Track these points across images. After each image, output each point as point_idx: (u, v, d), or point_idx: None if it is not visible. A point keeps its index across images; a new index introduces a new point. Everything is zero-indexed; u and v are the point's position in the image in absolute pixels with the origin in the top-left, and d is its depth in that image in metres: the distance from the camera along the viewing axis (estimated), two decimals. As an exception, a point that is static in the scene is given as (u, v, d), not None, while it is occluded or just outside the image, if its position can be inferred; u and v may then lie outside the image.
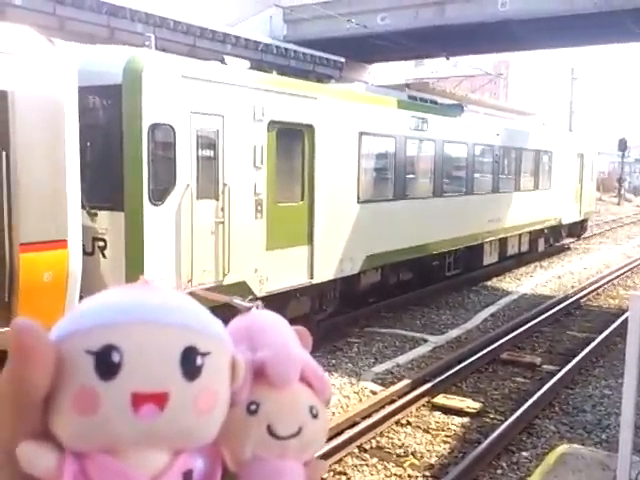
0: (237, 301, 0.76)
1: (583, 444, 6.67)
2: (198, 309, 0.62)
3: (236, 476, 0.69)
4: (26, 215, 5.67)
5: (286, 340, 0.70)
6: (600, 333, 10.98)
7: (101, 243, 7.39)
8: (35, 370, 0.56)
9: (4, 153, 5.53)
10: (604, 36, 21.69)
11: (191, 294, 0.67)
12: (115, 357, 0.56)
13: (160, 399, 0.57)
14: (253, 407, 0.67)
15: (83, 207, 6.55)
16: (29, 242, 5.70)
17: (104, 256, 7.38)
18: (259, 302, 0.76)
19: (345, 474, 6.29)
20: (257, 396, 0.68)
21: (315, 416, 0.69)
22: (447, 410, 7.84)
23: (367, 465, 6.49)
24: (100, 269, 7.32)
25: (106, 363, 0.56)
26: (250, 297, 0.78)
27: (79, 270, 6.12)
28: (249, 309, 0.75)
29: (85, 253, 6.65)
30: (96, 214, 7.36)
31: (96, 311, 0.59)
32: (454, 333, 11.31)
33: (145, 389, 0.57)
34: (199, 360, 0.59)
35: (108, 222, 7.38)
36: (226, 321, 0.70)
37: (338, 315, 11.31)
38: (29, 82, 5.68)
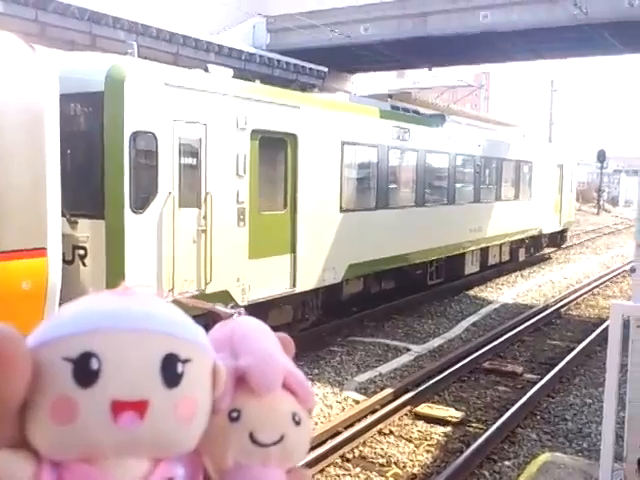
0: (219, 308, 0.75)
1: (565, 452, 6.69)
2: (179, 316, 0.61)
3: None
4: (4, 223, 5.59)
5: (269, 347, 0.69)
6: (581, 342, 11.07)
7: (81, 251, 7.31)
8: (12, 378, 0.55)
9: (-17, 160, 5.45)
10: (584, 49, 21.99)
11: (174, 301, 0.65)
12: (94, 364, 0.55)
13: (140, 407, 0.55)
14: (235, 414, 0.66)
15: (63, 215, 6.48)
16: (7, 250, 5.62)
17: (84, 265, 7.31)
18: (241, 309, 0.75)
19: (327, 484, 6.26)
20: (239, 403, 0.66)
21: (298, 423, 0.68)
22: (429, 419, 7.84)
23: (350, 475, 6.46)
24: (80, 278, 7.24)
25: (84, 371, 0.55)
26: (232, 304, 0.77)
27: (58, 279, 6.05)
28: (231, 316, 0.73)
29: (65, 261, 6.57)
30: (76, 222, 7.28)
31: (74, 318, 0.58)
32: (436, 342, 11.33)
33: (125, 397, 0.55)
34: (180, 367, 0.57)
35: (89, 230, 7.31)
36: (208, 328, 0.68)
37: (321, 324, 11.30)
38: (9, 89, 5.61)
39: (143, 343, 0.57)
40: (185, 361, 0.59)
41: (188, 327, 0.62)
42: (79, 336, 0.57)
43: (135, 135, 7.40)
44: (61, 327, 0.58)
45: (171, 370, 0.57)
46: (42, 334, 0.59)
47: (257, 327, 0.73)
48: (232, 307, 0.76)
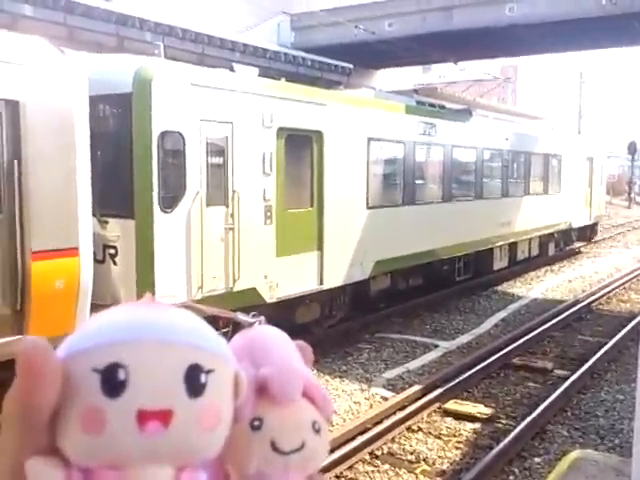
0: (240, 317, 0.77)
1: (596, 449, 6.62)
2: (202, 327, 0.63)
3: None
4: (38, 223, 5.71)
5: (289, 356, 0.71)
6: (612, 337, 10.92)
7: (112, 251, 7.43)
8: (43, 389, 0.57)
9: (16, 162, 5.58)
10: (612, 39, 21.63)
11: (194, 309, 0.67)
12: (121, 375, 0.57)
13: (165, 416, 0.58)
14: (257, 423, 0.68)
15: (94, 215, 6.59)
16: (41, 250, 5.74)
17: (115, 263, 7.42)
18: (262, 317, 0.77)
19: (357, 480, 6.28)
20: (260, 412, 0.68)
21: (317, 431, 0.70)
22: (458, 416, 7.81)
23: (379, 471, 6.47)
24: (111, 276, 7.35)
25: (112, 381, 0.57)
26: (253, 313, 0.79)
27: (90, 278, 6.16)
28: (252, 325, 0.75)
29: (96, 261, 6.68)
30: (107, 222, 7.40)
31: (102, 330, 0.60)
32: (465, 338, 11.27)
33: (150, 406, 0.57)
34: (203, 378, 0.60)
35: (119, 230, 7.43)
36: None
37: (348, 321, 11.31)
38: (40, 92, 5.73)
39: (168, 354, 0.60)
40: (208, 371, 0.61)
41: (211, 338, 0.64)
42: (106, 347, 0.59)
43: (163, 135, 7.49)
44: (89, 338, 0.61)
45: (195, 380, 0.60)
46: (71, 345, 0.61)
47: (277, 336, 0.75)
48: (253, 316, 0.79)
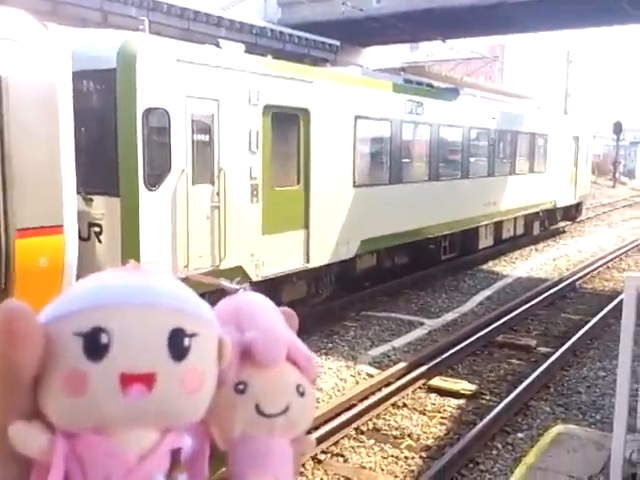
0: (225, 283, 0.77)
1: (578, 425, 6.73)
2: (186, 292, 0.63)
3: (226, 454, 0.71)
4: (21, 201, 5.64)
5: (273, 321, 0.72)
6: (595, 315, 11.05)
7: (97, 228, 7.38)
8: (24, 352, 0.57)
9: (-2, 138, 5.49)
10: (600, 18, 21.56)
11: (181, 278, 0.68)
12: (103, 339, 0.57)
13: (148, 379, 0.58)
14: (241, 387, 0.69)
15: (79, 192, 6.53)
16: (25, 228, 5.68)
17: (100, 241, 7.38)
18: (246, 284, 0.77)
19: (342, 456, 6.35)
20: (245, 376, 0.69)
21: (302, 394, 0.70)
22: (443, 392, 7.90)
23: (364, 447, 6.55)
24: (96, 254, 7.31)
25: (95, 345, 0.57)
26: (237, 279, 0.79)
27: (75, 256, 6.11)
28: (237, 291, 0.76)
29: (81, 238, 6.63)
30: (92, 199, 7.34)
31: (85, 294, 0.60)
32: (450, 316, 11.36)
33: (133, 370, 0.57)
34: (186, 341, 0.60)
35: (104, 207, 7.37)
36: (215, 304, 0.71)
37: (334, 299, 11.35)
38: (23, 67, 5.63)
39: (151, 318, 0.60)
40: (191, 335, 0.61)
41: (194, 302, 0.64)
42: (89, 312, 0.59)
43: (147, 112, 7.40)
44: (72, 303, 0.61)
45: (178, 344, 0.60)
46: (53, 310, 0.61)
47: (261, 302, 0.75)
48: (237, 283, 0.79)
